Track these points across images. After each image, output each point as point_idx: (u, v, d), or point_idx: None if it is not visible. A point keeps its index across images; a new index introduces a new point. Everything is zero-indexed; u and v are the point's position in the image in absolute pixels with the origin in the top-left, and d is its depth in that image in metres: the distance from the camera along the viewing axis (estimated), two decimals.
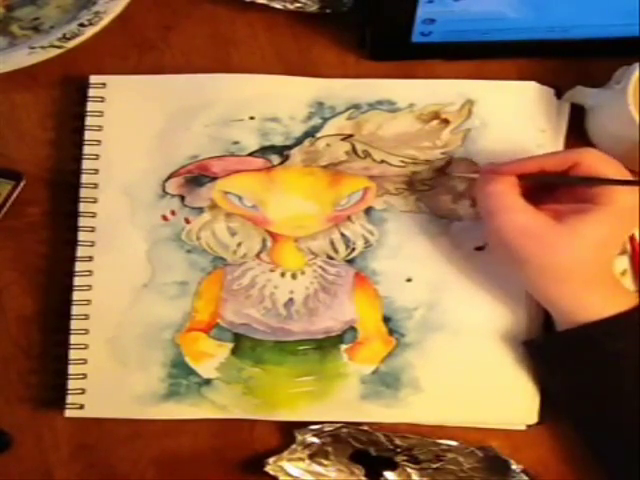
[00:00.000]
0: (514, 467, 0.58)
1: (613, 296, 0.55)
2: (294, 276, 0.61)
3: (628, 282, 0.61)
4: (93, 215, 0.61)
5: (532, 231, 0.54)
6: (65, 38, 0.62)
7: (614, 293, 0.56)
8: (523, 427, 0.60)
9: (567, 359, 0.56)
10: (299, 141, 0.62)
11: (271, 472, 0.58)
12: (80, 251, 0.61)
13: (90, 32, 0.62)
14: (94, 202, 0.61)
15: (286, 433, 0.59)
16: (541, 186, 0.58)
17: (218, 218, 0.61)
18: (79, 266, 0.60)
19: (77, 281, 0.60)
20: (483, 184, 0.56)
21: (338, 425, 0.59)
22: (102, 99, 0.63)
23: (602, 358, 0.54)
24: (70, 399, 0.59)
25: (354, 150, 0.62)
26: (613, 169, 0.55)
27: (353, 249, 0.61)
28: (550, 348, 0.58)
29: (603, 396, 0.55)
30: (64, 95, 0.64)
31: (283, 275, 0.61)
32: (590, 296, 0.55)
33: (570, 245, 0.54)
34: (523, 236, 0.54)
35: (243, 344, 0.60)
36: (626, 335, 0.54)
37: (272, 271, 0.61)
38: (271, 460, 0.58)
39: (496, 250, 0.58)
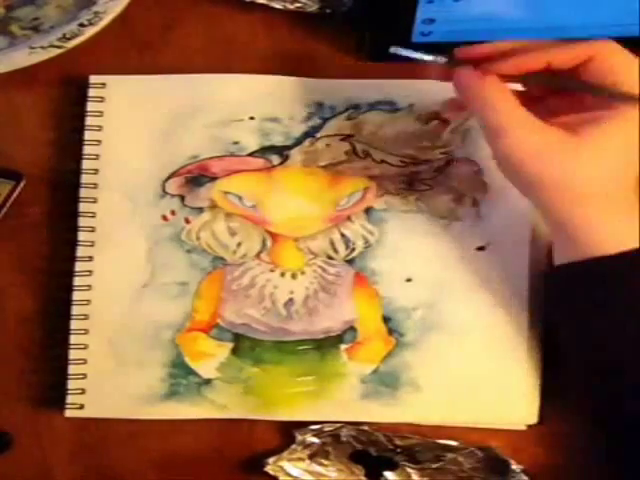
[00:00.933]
0: (514, 467, 0.58)
1: (634, 227, 0.50)
2: (294, 276, 0.61)
3: None
4: (93, 215, 0.61)
5: (544, 151, 0.49)
6: (65, 38, 0.62)
7: (634, 222, 0.50)
8: (523, 427, 0.60)
9: (582, 291, 0.52)
10: (299, 141, 0.62)
11: (271, 472, 0.58)
12: (80, 251, 0.61)
13: (90, 32, 0.62)
14: (94, 202, 0.61)
15: (286, 433, 0.59)
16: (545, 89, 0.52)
17: (218, 218, 0.61)
18: (79, 266, 0.60)
19: (77, 281, 0.60)
20: (482, 91, 0.51)
21: (338, 425, 0.59)
22: (102, 99, 0.63)
23: (613, 294, 0.50)
24: (70, 399, 0.59)
25: (354, 150, 0.62)
26: (634, 64, 0.49)
27: (353, 249, 0.61)
28: (567, 279, 0.53)
29: (605, 337, 0.51)
30: (64, 95, 0.64)
31: (283, 275, 0.61)
32: (609, 224, 0.50)
33: (592, 160, 0.48)
34: (534, 158, 0.49)
35: (243, 344, 0.60)
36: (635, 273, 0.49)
37: (272, 271, 0.61)
38: (271, 460, 0.58)
39: (505, 172, 0.53)
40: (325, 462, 0.59)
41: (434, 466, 0.59)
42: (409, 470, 0.59)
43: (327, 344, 0.60)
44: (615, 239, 0.50)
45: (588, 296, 0.52)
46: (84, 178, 0.62)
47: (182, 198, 0.62)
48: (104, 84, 0.63)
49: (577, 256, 0.51)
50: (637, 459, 0.52)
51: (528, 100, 0.52)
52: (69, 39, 0.62)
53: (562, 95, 0.53)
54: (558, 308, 0.55)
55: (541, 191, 0.51)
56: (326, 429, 0.59)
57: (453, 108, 0.58)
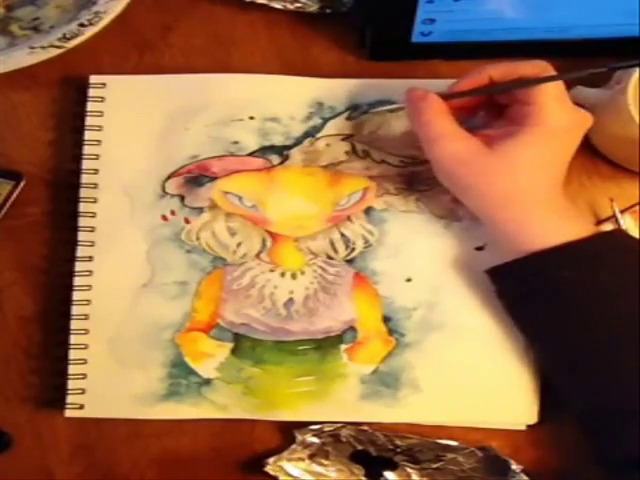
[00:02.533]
0: (514, 467, 0.58)
1: (562, 223, 0.55)
2: (294, 276, 0.61)
3: None
4: (93, 215, 0.61)
5: (465, 158, 0.55)
6: (65, 38, 0.62)
7: (564, 220, 0.55)
8: (523, 427, 0.60)
9: (517, 289, 0.56)
10: (299, 141, 0.62)
11: (271, 472, 0.58)
12: (80, 251, 0.61)
13: (90, 32, 0.62)
14: (94, 202, 0.61)
15: (286, 433, 0.59)
16: (473, 109, 0.58)
17: (218, 218, 0.61)
18: (79, 266, 0.60)
19: (77, 281, 0.60)
20: (415, 108, 0.57)
21: (338, 425, 0.59)
22: (102, 99, 0.63)
23: (548, 288, 0.54)
24: (70, 399, 0.59)
25: (354, 150, 0.62)
26: (550, 89, 0.55)
27: (353, 249, 0.61)
28: (503, 278, 0.57)
29: (556, 326, 0.55)
30: (64, 95, 0.64)
31: (283, 275, 0.61)
32: (536, 222, 0.54)
33: (502, 170, 0.54)
34: (458, 164, 0.55)
35: (243, 344, 0.60)
36: (574, 265, 0.53)
37: (272, 271, 0.61)
38: (271, 460, 0.58)
39: (440, 178, 0.58)
40: (325, 462, 0.59)
41: (434, 466, 0.59)
42: (409, 470, 0.59)
43: (327, 344, 0.60)
44: (543, 236, 0.54)
45: (524, 293, 0.56)
46: (84, 178, 0.62)
47: (182, 198, 0.62)
48: (104, 84, 0.63)
49: (511, 255, 0.56)
50: None
51: (461, 113, 0.57)
52: (69, 39, 0.62)
53: (490, 110, 0.59)
54: (511, 302, 0.58)
55: (469, 195, 0.56)
56: (326, 429, 0.59)
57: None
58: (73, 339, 0.59)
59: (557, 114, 0.54)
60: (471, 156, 0.55)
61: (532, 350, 0.58)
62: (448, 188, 0.58)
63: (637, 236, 0.60)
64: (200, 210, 0.62)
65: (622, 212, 0.61)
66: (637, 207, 0.60)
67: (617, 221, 0.61)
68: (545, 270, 0.54)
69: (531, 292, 0.55)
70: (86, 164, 0.62)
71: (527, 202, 0.54)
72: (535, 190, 0.55)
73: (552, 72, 0.56)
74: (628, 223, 0.61)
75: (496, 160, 0.54)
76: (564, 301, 0.54)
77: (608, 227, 0.61)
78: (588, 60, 0.63)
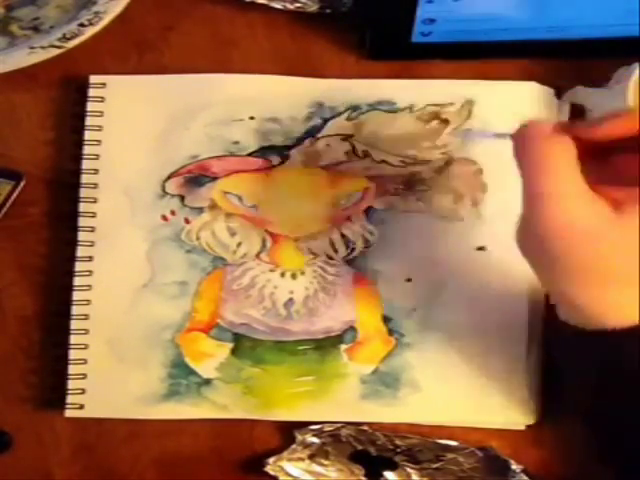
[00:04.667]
0: (514, 467, 0.58)
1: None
2: (294, 276, 0.61)
3: None
4: (93, 215, 0.61)
5: (588, 228, 0.44)
6: (65, 38, 0.62)
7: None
8: (523, 427, 0.60)
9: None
10: (299, 141, 0.62)
11: (271, 472, 0.58)
12: (80, 251, 0.61)
13: (90, 32, 0.62)
14: (94, 202, 0.61)
15: (286, 433, 0.59)
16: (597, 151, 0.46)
17: (218, 218, 0.61)
18: (79, 266, 0.60)
19: (77, 281, 0.60)
20: (534, 149, 0.45)
21: (338, 425, 0.59)
22: (102, 99, 0.63)
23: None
24: (70, 399, 0.59)
25: (354, 150, 0.62)
26: None
27: (353, 249, 0.61)
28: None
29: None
30: (64, 95, 0.64)
31: (283, 275, 0.61)
32: (620, 297, 0.46)
33: (624, 243, 0.44)
34: (576, 233, 0.44)
35: (243, 344, 0.60)
36: None
37: (272, 271, 0.61)
38: (271, 460, 0.58)
39: (527, 242, 0.48)
40: (325, 462, 0.59)
41: (434, 466, 0.59)
42: (409, 470, 0.59)
43: (327, 344, 0.60)
44: (620, 315, 0.46)
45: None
46: (84, 178, 0.62)
47: (182, 198, 0.62)
48: (104, 84, 0.63)
49: (582, 324, 0.48)
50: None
51: (588, 156, 0.46)
52: (69, 39, 0.62)
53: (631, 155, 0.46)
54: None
55: (558, 268, 0.46)
56: (326, 429, 0.59)
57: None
58: (73, 339, 0.59)
59: None
60: (594, 226, 0.44)
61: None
62: (526, 255, 0.48)
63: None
64: (200, 210, 0.62)
65: None
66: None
67: None
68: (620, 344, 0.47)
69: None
70: (86, 164, 0.62)
71: (622, 277, 0.45)
72: (635, 265, 0.45)
73: None
74: None
75: (621, 231, 0.44)
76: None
77: None
78: (588, 60, 0.63)
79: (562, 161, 0.45)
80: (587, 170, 0.45)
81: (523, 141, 0.46)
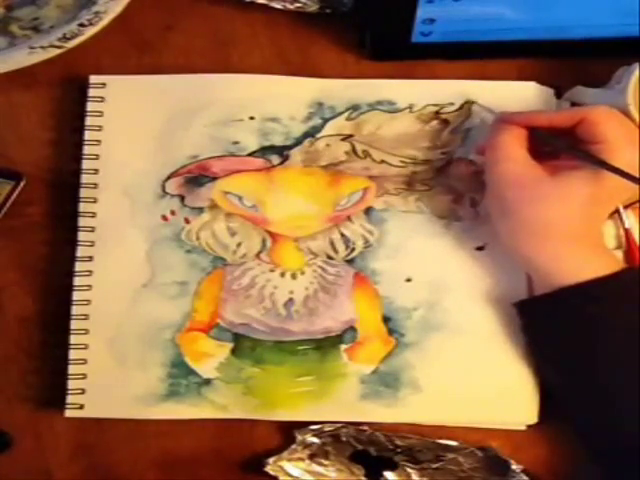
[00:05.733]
0: (514, 467, 0.58)
1: (594, 259, 0.55)
2: (294, 276, 0.61)
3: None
4: (93, 215, 0.61)
5: (524, 182, 0.55)
6: (65, 38, 0.62)
7: (596, 256, 0.55)
8: (523, 427, 0.60)
9: (546, 323, 0.56)
10: (299, 141, 0.62)
11: (271, 472, 0.58)
12: (80, 251, 0.61)
13: (90, 32, 0.62)
14: (94, 202, 0.61)
15: (286, 433, 0.59)
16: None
17: (218, 218, 0.61)
18: (79, 266, 0.60)
19: (77, 281, 0.60)
20: (494, 134, 0.57)
21: (338, 425, 0.59)
22: (102, 99, 0.63)
23: (579, 323, 0.54)
24: (70, 399, 0.59)
25: (354, 150, 0.62)
26: (617, 129, 0.54)
27: (353, 249, 0.61)
28: (530, 312, 0.58)
29: (583, 362, 0.55)
30: (64, 95, 0.64)
31: (283, 275, 0.61)
32: (570, 257, 0.55)
33: (558, 199, 0.54)
34: (515, 186, 0.55)
35: (243, 344, 0.60)
36: (605, 300, 0.54)
37: (272, 271, 0.61)
38: (271, 460, 0.58)
39: (489, 199, 0.58)
40: (325, 462, 0.59)
41: (434, 466, 0.59)
42: (409, 470, 0.59)
43: (327, 344, 0.60)
44: (575, 272, 0.54)
45: (552, 327, 0.56)
46: (84, 178, 0.62)
47: (182, 198, 0.62)
48: (104, 84, 0.63)
49: (541, 290, 0.56)
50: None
51: (530, 143, 0.57)
52: (69, 39, 0.62)
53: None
54: (537, 337, 0.58)
55: (511, 222, 0.56)
56: (326, 429, 0.59)
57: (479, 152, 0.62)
58: (73, 339, 0.59)
59: (628, 160, 0.54)
60: (529, 181, 0.55)
61: (555, 385, 0.58)
62: (491, 209, 0.58)
63: (637, 233, 0.60)
64: (200, 210, 0.62)
65: (625, 208, 0.61)
66: (637, 204, 0.60)
67: (620, 217, 0.61)
68: (573, 305, 0.54)
69: (558, 327, 0.55)
70: (86, 164, 0.62)
71: (568, 236, 0.55)
72: (580, 225, 0.55)
73: (616, 118, 0.55)
74: (631, 219, 0.61)
75: (553, 189, 0.54)
76: (591, 337, 0.54)
77: (611, 224, 0.61)
78: (588, 60, 0.63)
79: (508, 136, 0.56)
80: (538, 154, 0.57)
81: (490, 127, 0.58)
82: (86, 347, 0.59)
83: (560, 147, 0.57)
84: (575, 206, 0.54)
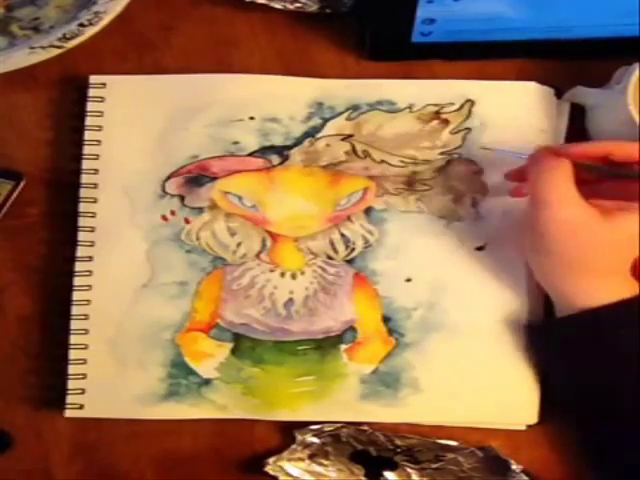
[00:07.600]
0: (514, 467, 0.58)
1: (618, 284, 0.55)
2: (294, 276, 0.61)
3: None
4: (93, 215, 0.61)
5: (578, 227, 0.53)
6: (65, 38, 0.62)
7: (619, 281, 0.55)
8: (523, 427, 0.59)
9: (567, 345, 0.56)
10: (299, 141, 0.63)
11: (271, 472, 0.58)
12: (80, 251, 0.61)
13: (90, 32, 0.62)
14: (94, 202, 0.61)
15: (286, 433, 0.59)
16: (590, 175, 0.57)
17: (218, 218, 0.61)
18: (79, 266, 0.60)
19: (77, 281, 0.60)
20: (541, 169, 0.55)
21: (338, 425, 0.59)
22: (102, 99, 0.63)
23: (602, 346, 0.54)
24: (70, 399, 0.59)
25: (354, 150, 0.62)
26: None
27: (353, 249, 0.61)
28: (551, 333, 0.58)
29: (602, 384, 0.55)
30: (64, 95, 0.64)
31: (283, 275, 0.61)
32: (602, 287, 0.54)
33: (610, 244, 0.54)
34: (568, 230, 0.54)
35: (243, 344, 0.60)
36: (627, 323, 0.54)
37: (272, 271, 0.61)
38: (271, 460, 0.58)
39: (531, 236, 0.56)
40: (325, 462, 0.59)
41: (434, 466, 0.59)
42: (409, 470, 0.59)
43: (327, 344, 0.60)
44: (599, 295, 0.54)
45: (579, 345, 0.56)
46: (84, 178, 0.62)
47: (182, 198, 0.62)
48: (104, 84, 0.63)
49: (563, 312, 0.56)
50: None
51: (585, 182, 0.55)
52: (69, 39, 0.62)
53: (616, 182, 0.57)
54: (554, 359, 0.58)
55: (553, 259, 0.55)
56: (326, 429, 0.59)
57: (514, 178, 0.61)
58: (73, 339, 0.59)
59: None
60: (583, 226, 0.53)
61: (572, 407, 0.58)
62: (530, 246, 0.56)
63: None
64: (200, 210, 0.62)
65: None
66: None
67: None
68: (600, 327, 0.54)
69: (580, 348, 0.55)
70: (86, 164, 0.62)
71: (606, 271, 0.55)
72: (620, 262, 0.55)
73: None
74: None
75: (607, 234, 0.53)
76: (616, 358, 0.54)
77: None
78: (588, 60, 0.63)
79: (560, 176, 0.54)
80: (584, 190, 0.54)
81: (534, 161, 0.56)
82: (86, 347, 0.59)
83: (608, 174, 0.56)
84: (624, 248, 0.54)
